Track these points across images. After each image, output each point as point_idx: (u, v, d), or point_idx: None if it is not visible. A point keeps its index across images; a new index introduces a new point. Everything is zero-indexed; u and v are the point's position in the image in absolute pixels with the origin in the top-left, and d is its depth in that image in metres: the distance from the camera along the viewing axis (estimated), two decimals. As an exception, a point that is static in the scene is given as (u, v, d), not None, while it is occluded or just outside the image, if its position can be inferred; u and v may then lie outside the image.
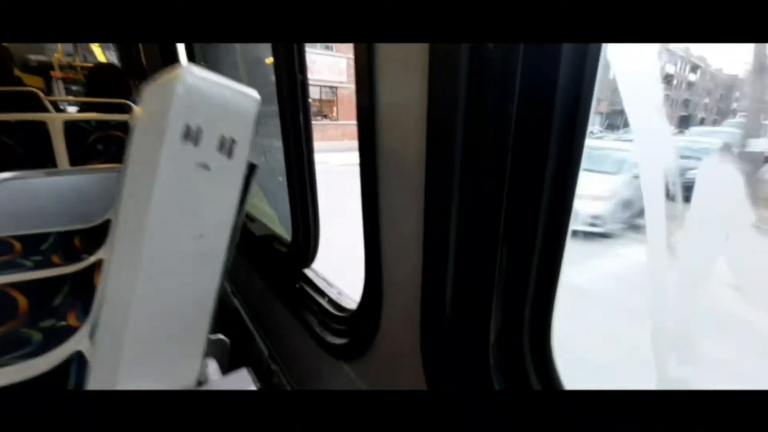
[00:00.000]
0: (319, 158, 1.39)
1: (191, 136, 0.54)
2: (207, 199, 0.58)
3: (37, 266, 1.90)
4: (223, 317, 2.32)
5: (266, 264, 1.84)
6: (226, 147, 0.57)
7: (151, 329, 0.59)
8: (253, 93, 0.60)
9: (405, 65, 0.68)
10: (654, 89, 0.69)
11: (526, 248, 0.69)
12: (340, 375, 1.19)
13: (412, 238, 0.79)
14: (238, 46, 2.44)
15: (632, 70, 0.65)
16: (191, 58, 2.90)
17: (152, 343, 0.61)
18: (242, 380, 0.71)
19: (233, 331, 2.27)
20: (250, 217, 2.09)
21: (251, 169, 0.69)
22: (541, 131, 0.60)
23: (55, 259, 2.05)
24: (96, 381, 0.61)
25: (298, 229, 1.53)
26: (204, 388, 0.71)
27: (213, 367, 0.76)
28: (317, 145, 1.38)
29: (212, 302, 0.65)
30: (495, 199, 0.66)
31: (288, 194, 1.50)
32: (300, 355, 1.52)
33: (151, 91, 0.56)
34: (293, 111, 1.31)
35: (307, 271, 1.58)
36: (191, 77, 0.53)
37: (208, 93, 0.54)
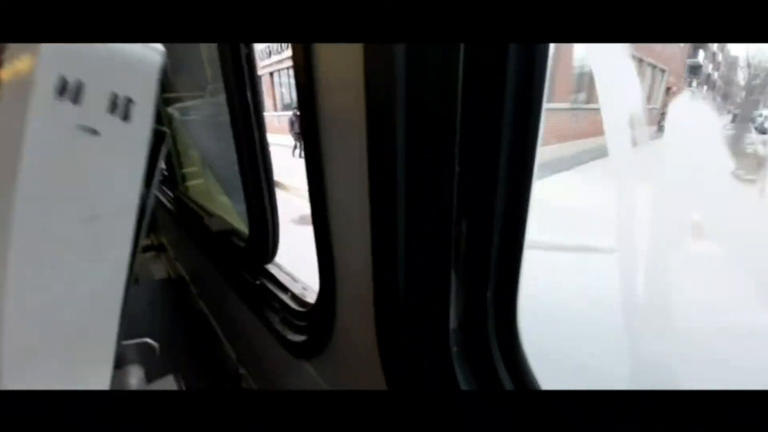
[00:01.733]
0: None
1: (69, 91, 0.43)
2: (98, 171, 0.47)
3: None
4: (188, 320, 2.19)
5: (226, 262, 1.73)
6: (120, 108, 0.47)
7: (35, 335, 0.48)
8: (155, 45, 0.50)
9: (342, 62, 0.66)
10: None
11: (485, 224, 0.63)
12: (302, 375, 1.10)
13: (361, 224, 0.72)
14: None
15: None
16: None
17: (40, 352, 0.50)
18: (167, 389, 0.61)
19: (199, 335, 2.15)
20: (207, 211, 1.97)
21: (159, 137, 0.59)
22: (493, 103, 0.55)
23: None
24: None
25: (255, 222, 1.42)
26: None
27: (136, 374, 0.66)
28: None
29: (119, 300, 0.54)
30: (446, 176, 0.60)
31: (242, 185, 1.40)
32: (264, 357, 1.43)
33: (19, 45, 0.45)
34: (239, 87, 1.20)
35: (270, 267, 1.48)
36: None
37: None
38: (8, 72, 0.45)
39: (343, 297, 0.85)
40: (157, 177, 0.59)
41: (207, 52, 2.30)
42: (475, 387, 0.70)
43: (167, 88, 2.30)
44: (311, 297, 1.26)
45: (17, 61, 0.44)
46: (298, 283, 1.38)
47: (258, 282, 1.41)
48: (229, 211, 1.96)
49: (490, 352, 0.70)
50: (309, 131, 0.76)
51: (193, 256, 2.30)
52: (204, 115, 2.34)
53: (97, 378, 0.57)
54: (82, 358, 0.54)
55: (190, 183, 2.42)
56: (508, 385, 0.69)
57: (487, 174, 0.59)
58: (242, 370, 1.73)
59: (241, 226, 1.75)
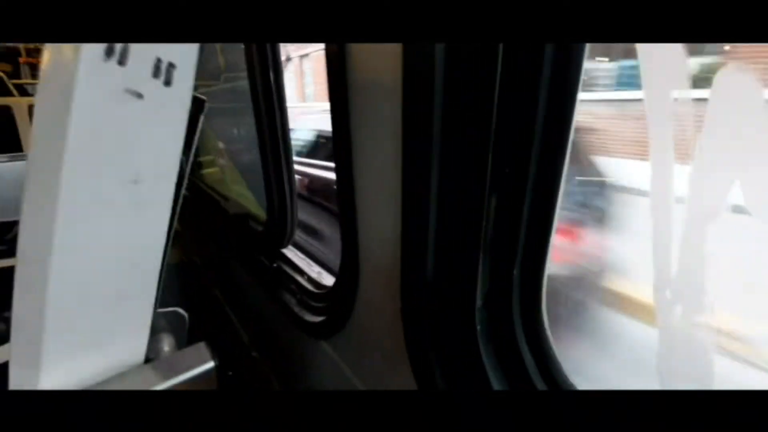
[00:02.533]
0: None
1: (115, 53, 0.44)
2: (141, 135, 0.48)
3: (2, 256, 1.80)
4: (202, 304, 2.22)
5: (243, 245, 1.75)
6: (163, 72, 0.48)
7: (77, 295, 0.50)
8: None
9: (378, 61, 0.68)
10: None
11: (515, 205, 0.63)
12: (318, 354, 1.12)
13: (390, 198, 0.72)
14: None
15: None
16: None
17: (81, 313, 0.51)
18: (198, 355, 0.62)
19: (213, 318, 2.18)
20: (223, 196, 1.99)
21: (199, 105, 0.60)
22: (529, 87, 0.55)
23: (20, 247, 1.93)
24: (18, 353, 0.52)
25: (274, 206, 1.44)
26: (156, 362, 0.62)
27: (168, 341, 0.67)
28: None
29: (158, 264, 0.55)
30: (480, 153, 0.60)
31: (262, 169, 1.41)
32: (279, 338, 1.45)
33: None
34: (263, 76, 1.21)
35: (286, 251, 1.50)
36: None
37: (137, 3, 0.45)
38: (57, 34, 0.45)
39: (366, 273, 0.86)
40: (195, 144, 0.60)
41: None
42: (498, 365, 0.71)
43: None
44: (326, 279, 1.27)
45: (66, 23, 0.45)
46: (314, 267, 1.40)
47: (275, 265, 1.42)
48: (245, 195, 1.97)
49: (513, 330, 0.70)
50: (338, 103, 0.76)
51: (207, 241, 2.33)
52: (218, 103, 2.35)
53: (133, 342, 0.58)
54: (122, 321, 0.55)
55: (206, 171, 2.44)
56: (530, 364, 0.70)
57: (520, 155, 0.59)
58: (255, 353, 1.75)
59: (258, 211, 1.77)
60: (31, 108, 3.16)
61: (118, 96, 0.45)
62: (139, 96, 0.47)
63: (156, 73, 0.48)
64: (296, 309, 1.20)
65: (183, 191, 0.58)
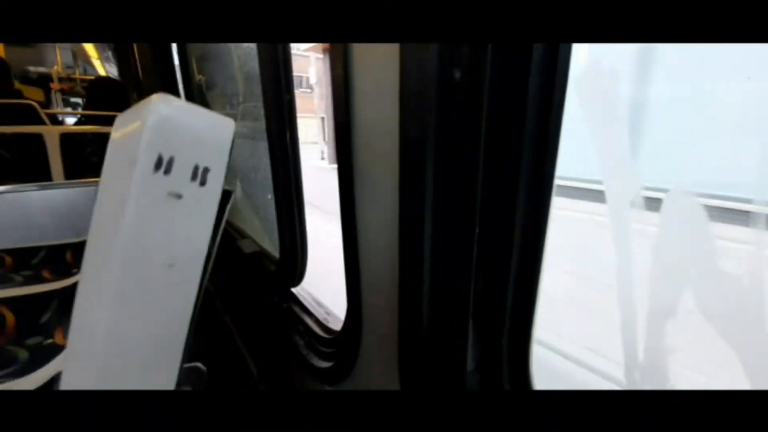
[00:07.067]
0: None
1: (163, 165, 0.53)
2: (178, 228, 0.57)
3: (27, 281, 1.89)
4: (215, 339, 2.28)
5: (255, 283, 1.83)
6: (199, 175, 0.57)
7: (120, 358, 0.58)
8: (229, 121, 0.60)
9: (379, 67, 0.72)
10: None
11: (503, 257, 0.68)
12: None
13: (388, 254, 0.79)
14: (235, 59, 2.46)
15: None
16: (186, 72, 2.93)
17: (122, 373, 0.59)
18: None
19: (225, 353, 2.25)
20: (240, 233, 2.08)
21: (226, 195, 0.69)
22: (514, 130, 0.60)
23: (45, 273, 2.04)
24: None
25: (285, 246, 1.52)
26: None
27: (188, 395, 0.74)
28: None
29: (185, 332, 0.64)
30: (469, 205, 0.65)
31: (275, 211, 1.50)
32: (287, 379, 1.50)
33: (123, 121, 0.56)
34: (279, 119, 1.32)
35: (296, 291, 1.57)
36: (164, 108, 0.52)
37: (181, 123, 0.54)
38: (115, 147, 0.55)
39: (368, 325, 0.93)
40: (222, 229, 0.69)
41: (240, 71, 2.45)
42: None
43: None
44: (334, 323, 1.34)
45: (123, 138, 0.55)
46: (322, 308, 1.46)
47: (285, 305, 1.50)
48: (258, 231, 2.07)
49: (502, 383, 0.76)
50: (343, 153, 0.83)
51: (220, 271, 2.42)
52: (237, 136, 2.47)
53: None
54: (153, 380, 0.63)
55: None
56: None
57: (504, 229, 0.66)
58: (262, 387, 1.81)
59: (269, 247, 1.86)
60: (61, 136, 3.34)
61: (162, 198, 0.55)
62: (179, 197, 0.56)
63: (194, 176, 0.57)
64: (304, 352, 1.26)
65: (209, 269, 0.67)
